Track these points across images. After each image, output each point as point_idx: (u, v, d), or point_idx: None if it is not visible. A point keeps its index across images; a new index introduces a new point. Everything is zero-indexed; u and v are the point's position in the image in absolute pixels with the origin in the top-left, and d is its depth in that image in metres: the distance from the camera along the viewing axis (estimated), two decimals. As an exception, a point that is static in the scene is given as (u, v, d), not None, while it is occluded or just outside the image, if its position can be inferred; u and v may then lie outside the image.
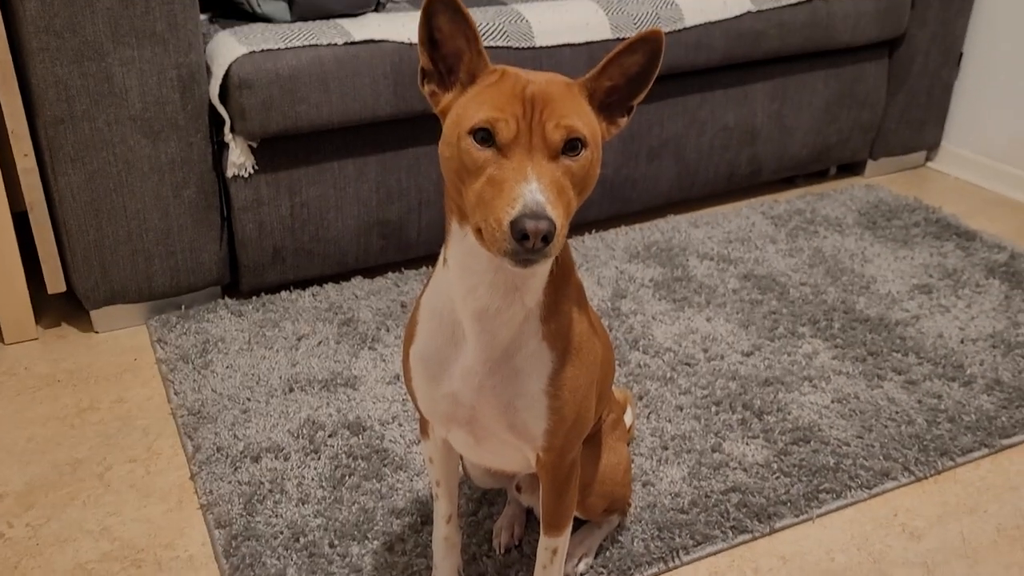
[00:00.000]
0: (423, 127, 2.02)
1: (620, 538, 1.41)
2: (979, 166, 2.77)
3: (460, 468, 1.37)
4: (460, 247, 0.96)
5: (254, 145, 1.86)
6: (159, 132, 1.76)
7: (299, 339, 1.88)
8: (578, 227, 2.40)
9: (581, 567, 1.35)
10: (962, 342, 1.93)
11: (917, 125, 2.75)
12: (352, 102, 1.86)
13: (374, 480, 1.51)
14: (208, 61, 1.80)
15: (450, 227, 0.98)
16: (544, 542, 1.17)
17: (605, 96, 0.96)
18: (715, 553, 1.41)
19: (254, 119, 1.79)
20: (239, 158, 1.84)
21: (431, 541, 1.31)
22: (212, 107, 1.81)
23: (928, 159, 2.90)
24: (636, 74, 0.96)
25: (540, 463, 1.09)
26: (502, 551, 1.37)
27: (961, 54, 2.74)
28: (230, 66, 1.75)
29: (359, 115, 1.88)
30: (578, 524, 1.42)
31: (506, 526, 1.39)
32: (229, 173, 1.86)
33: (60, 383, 1.76)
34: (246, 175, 1.87)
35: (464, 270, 0.97)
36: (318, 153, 1.93)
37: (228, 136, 1.83)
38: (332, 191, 1.97)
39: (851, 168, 2.83)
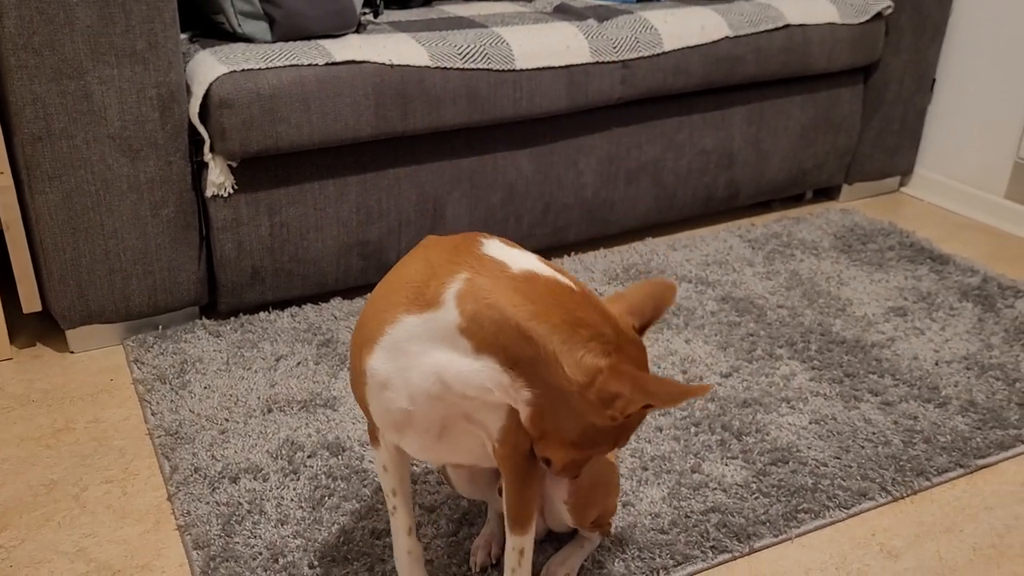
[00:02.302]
0: (403, 148, 2.03)
1: (600, 558, 1.41)
2: (952, 191, 2.81)
3: (449, 478, 1.37)
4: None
5: (234, 165, 1.86)
6: (138, 151, 1.76)
7: (278, 360, 1.87)
8: (557, 249, 2.41)
9: (562, 586, 1.34)
10: (937, 364, 1.95)
11: (891, 150, 2.80)
12: (333, 122, 1.86)
13: (354, 501, 1.50)
14: (188, 80, 1.80)
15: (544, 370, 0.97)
16: (511, 541, 1.17)
17: None
18: (695, 573, 1.41)
19: (234, 139, 1.79)
20: (218, 178, 1.84)
21: (400, 558, 1.27)
22: (192, 126, 1.81)
23: (902, 184, 2.95)
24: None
25: (498, 455, 1.09)
26: (477, 569, 1.37)
27: (934, 80, 2.79)
28: (210, 85, 1.75)
29: (340, 135, 1.88)
30: (561, 541, 1.42)
31: (483, 544, 1.39)
32: (208, 193, 1.85)
33: (35, 403, 1.74)
34: (225, 195, 1.87)
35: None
36: (298, 173, 1.93)
37: (208, 156, 1.82)
38: (312, 211, 1.97)
39: (827, 193, 2.87)
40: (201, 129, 1.80)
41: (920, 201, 2.88)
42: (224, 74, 1.76)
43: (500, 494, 1.33)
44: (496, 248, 1.02)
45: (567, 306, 0.97)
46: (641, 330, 1.06)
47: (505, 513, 1.16)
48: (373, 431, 1.18)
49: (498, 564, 1.38)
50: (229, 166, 1.85)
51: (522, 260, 1.00)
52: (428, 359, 0.99)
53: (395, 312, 1.00)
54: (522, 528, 1.15)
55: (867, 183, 2.84)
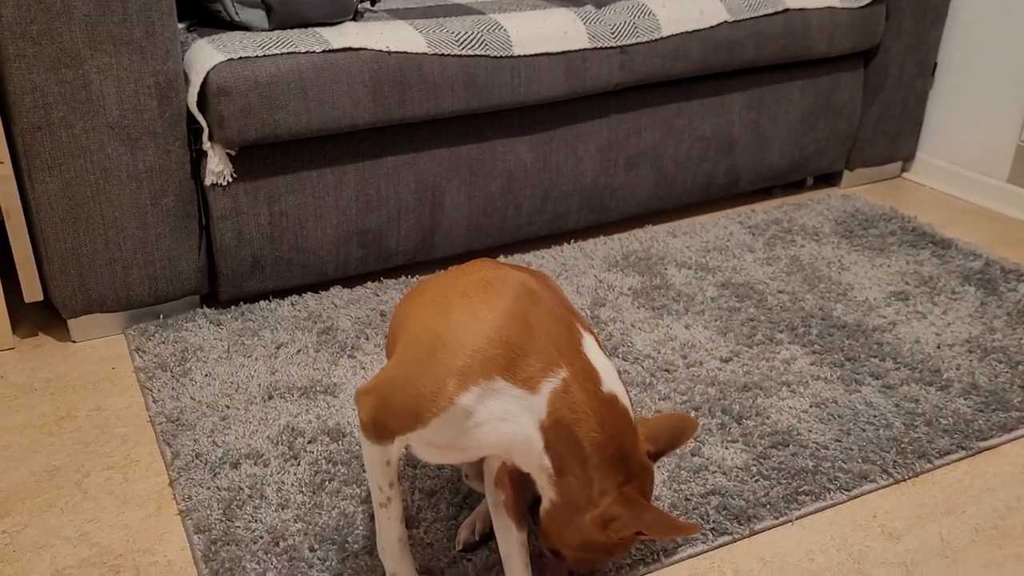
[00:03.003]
0: (402, 136, 2.03)
1: (601, 541, 1.41)
2: (954, 176, 2.81)
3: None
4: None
5: (232, 153, 1.86)
6: (137, 140, 1.76)
7: (278, 348, 1.87)
8: (557, 237, 2.41)
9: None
10: (939, 347, 1.95)
11: (892, 135, 2.79)
12: (331, 110, 1.86)
13: (354, 485, 1.50)
14: (186, 69, 1.80)
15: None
16: (521, 537, 1.22)
17: None
18: (696, 555, 1.41)
19: (232, 127, 1.79)
20: (217, 166, 1.84)
21: (390, 547, 1.26)
22: (190, 115, 1.81)
23: (904, 170, 2.94)
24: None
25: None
26: (461, 547, 1.37)
27: (936, 64, 2.78)
28: (208, 73, 1.75)
29: (338, 123, 1.88)
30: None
31: (467, 524, 1.39)
32: (208, 181, 1.85)
33: (37, 391, 1.74)
34: (224, 183, 1.87)
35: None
36: (297, 161, 1.93)
37: (206, 144, 1.82)
38: (311, 200, 1.97)
39: (827, 179, 2.86)
40: (199, 117, 1.80)
41: (922, 186, 2.87)
42: (222, 62, 1.77)
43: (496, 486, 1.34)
44: (592, 349, 1.11)
45: (621, 439, 1.09)
46: (654, 457, 1.17)
47: (516, 510, 1.22)
48: (388, 431, 1.13)
49: (483, 542, 1.39)
50: (228, 155, 1.85)
51: (610, 377, 1.11)
52: (506, 428, 1.08)
53: (492, 369, 1.05)
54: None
55: (868, 169, 2.83)
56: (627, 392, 1.14)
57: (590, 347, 1.11)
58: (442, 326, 1.08)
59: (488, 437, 1.08)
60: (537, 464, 1.10)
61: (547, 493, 1.12)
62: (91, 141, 1.73)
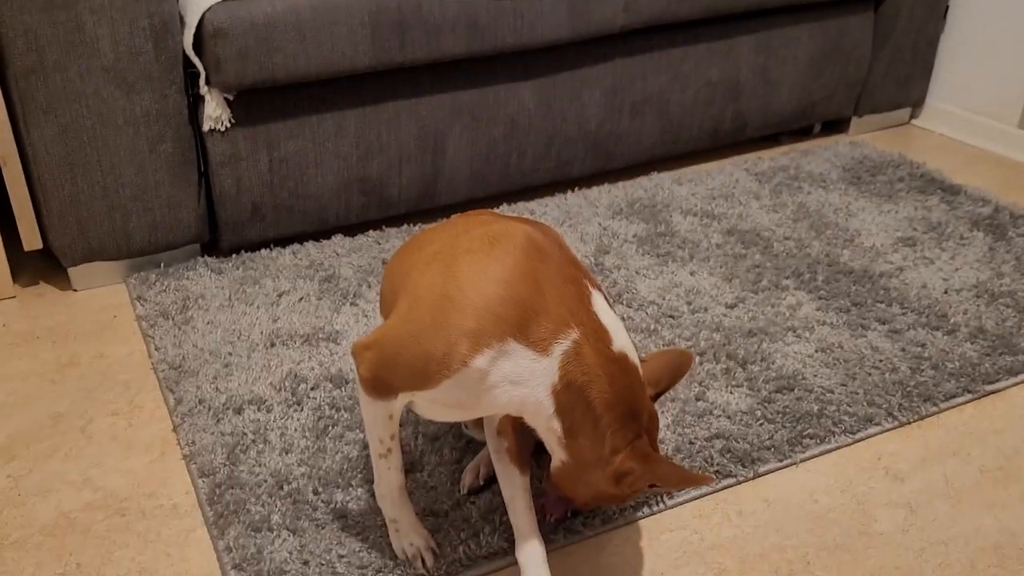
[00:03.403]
0: (402, 80, 2.00)
1: (604, 483, 1.41)
2: (964, 122, 2.76)
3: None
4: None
5: (230, 98, 1.83)
6: (133, 84, 1.73)
7: (280, 296, 1.86)
8: (561, 184, 2.38)
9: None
10: (946, 292, 1.93)
11: (902, 81, 2.74)
12: (329, 52, 1.83)
13: (358, 430, 1.50)
14: (181, 10, 1.77)
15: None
16: (524, 482, 1.20)
17: None
18: (700, 497, 1.41)
19: (229, 70, 1.76)
20: (215, 111, 1.81)
21: (390, 494, 1.26)
22: (186, 58, 1.78)
23: (913, 116, 2.90)
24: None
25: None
26: (465, 491, 1.38)
27: (947, 7, 2.72)
28: (204, 15, 1.72)
29: (336, 66, 1.85)
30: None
31: (471, 468, 1.39)
32: (205, 127, 1.83)
33: (39, 340, 1.74)
34: (223, 129, 1.84)
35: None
36: (296, 107, 1.90)
37: (203, 88, 1.79)
38: (311, 146, 1.95)
39: (835, 126, 2.82)
40: (196, 60, 1.77)
41: (931, 133, 2.82)
42: (217, 3, 1.73)
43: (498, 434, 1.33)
44: (601, 307, 1.09)
45: (632, 396, 1.07)
46: (655, 398, 1.15)
47: (518, 457, 1.21)
48: (391, 389, 1.10)
49: (486, 486, 1.39)
50: (226, 99, 1.82)
51: (620, 336, 1.08)
52: (517, 391, 1.06)
53: (505, 330, 1.02)
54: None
55: (877, 115, 2.79)
56: (634, 346, 1.12)
57: (599, 305, 1.09)
58: (450, 285, 1.03)
59: (499, 400, 1.06)
60: (546, 426, 1.08)
61: (557, 454, 1.10)
62: (86, 85, 1.70)
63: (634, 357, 1.09)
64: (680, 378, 1.19)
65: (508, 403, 1.07)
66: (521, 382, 1.04)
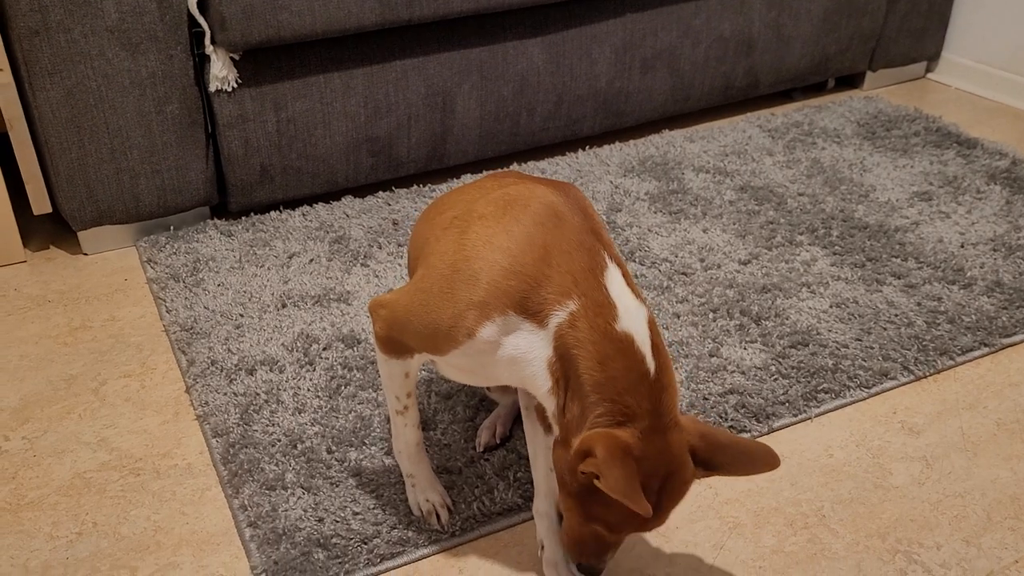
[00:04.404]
0: (410, 38, 1.97)
1: (618, 439, 1.40)
2: (981, 75, 2.71)
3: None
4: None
5: (236, 57, 1.81)
6: (138, 44, 1.71)
7: (290, 257, 1.85)
8: (571, 143, 2.36)
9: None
10: (962, 246, 1.90)
11: (918, 34, 2.69)
12: (336, 10, 1.80)
13: (370, 390, 1.50)
14: (186, -31, 1.74)
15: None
16: (548, 440, 1.18)
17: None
18: (714, 452, 1.41)
19: (235, 28, 1.73)
20: (221, 71, 1.79)
21: (406, 450, 1.26)
22: (191, 17, 1.75)
23: (928, 70, 2.85)
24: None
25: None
26: (481, 449, 1.38)
27: (963, -42, 2.66)
28: (208, -28, 1.70)
29: (343, 24, 1.82)
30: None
31: (488, 426, 1.39)
32: (212, 87, 1.81)
33: (51, 303, 1.74)
34: (229, 89, 1.82)
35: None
36: (303, 66, 1.88)
37: (209, 48, 1.77)
38: (319, 106, 1.93)
39: (850, 81, 2.77)
40: (200, 19, 1.74)
41: (947, 87, 2.78)
42: (221, -40, 1.70)
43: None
44: (616, 283, 1.01)
45: (626, 386, 0.97)
46: (700, 462, 1.02)
47: (544, 417, 1.16)
48: (405, 350, 1.11)
49: (502, 444, 1.39)
50: (232, 59, 1.80)
51: (631, 316, 0.99)
52: (518, 365, 1.02)
53: (506, 302, 1.00)
54: None
55: (892, 70, 2.74)
56: (656, 341, 1.00)
57: (613, 279, 1.00)
58: (459, 255, 1.02)
59: (504, 372, 1.05)
60: (546, 403, 1.04)
61: (554, 432, 1.06)
62: (91, 46, 1.68)
63: (644, 346, 0.98)
64: (749, 472, 1.03)
65: (512, 375, 1.04)
66: (522, 354, 1.01)
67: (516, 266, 1.00)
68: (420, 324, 1.05)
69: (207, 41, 1.77)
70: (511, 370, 1.04)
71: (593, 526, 1.03)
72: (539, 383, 1.02)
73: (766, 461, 1.03)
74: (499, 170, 1.23)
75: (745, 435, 1.43)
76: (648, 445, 0.97)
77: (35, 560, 1.21)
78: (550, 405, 1.03)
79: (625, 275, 1.03)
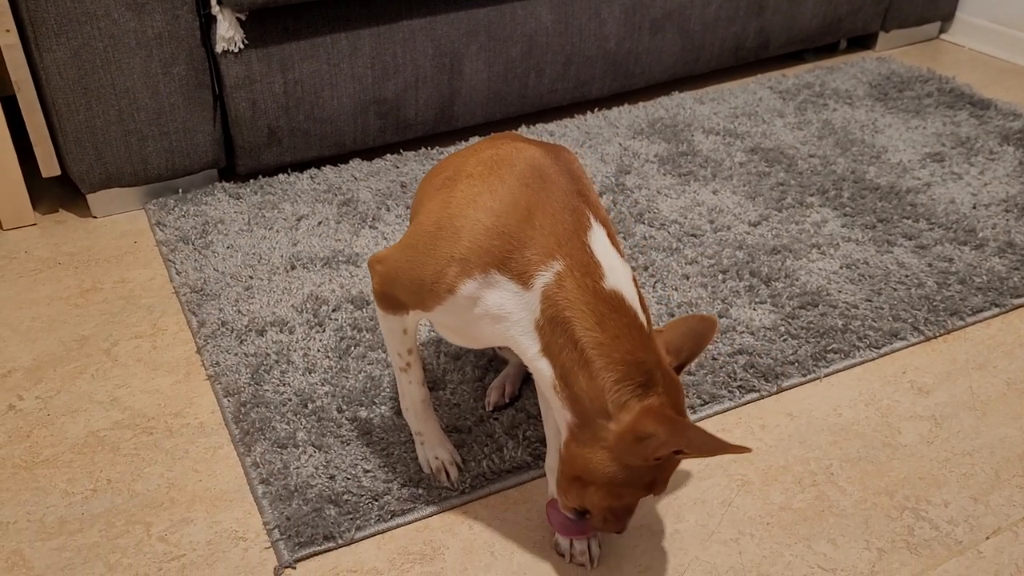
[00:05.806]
0: (418, -2, 1.95)
1: (627, 399, 1.41)
2: (995, 35, 2.68)
3: None
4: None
5: (243, 18, 1.79)
6: (143, 4, 1.70)
7: (299, 220, 1.85)
8: (580, 105, 2.34)
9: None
10: (974, 207, 1.89)
11: (931, -7, 2.65)
12: (343, -31, 1.78)
13: (379, 350, 1.50)
14: (191, -73, 1.72)
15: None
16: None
17: None
18: (722, 412, 1.41)
19: (242, -12, 1.72)
20: (228, 31, 1.78)
21: (413, 407, 1.27)
22: (198, -23, 1.74)
23: (942, 31, 2.81)
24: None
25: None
26: (491, 408, 1.38)
27: (979, -85, 2.62)
28: (214, -69, 1.68)
29: (351, -17, 1.81)
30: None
31: (497, 386, 1.40)
32: (218, 48, 1.80)
33: (61, 266, 1.75)
34: (236, 50, 1.81)
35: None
36: (310, 27, 1.87)
37: (215, 8, 1.76)
38: (326, 67, 1.91)
39: (862, 42, 2.74)
40: (206, -21, 1.73)
41: (961, 48, 2.74)
42: (226, -82, 1.68)
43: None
44: (600, 243, 1.00)
45: (631, 344, 0.97)
46: (678, 368, 1.06)
47: None
48: (400, 305, 1.12)
49: (511, 403, 1.39)
50: (238, 19, 1.79)
51: (616, 275, 1.00)
52: (503, 324, 1.02)
53: (488, 261, 1.00)
54: None
55: (905, 30, 2.70)
56: (640, 297, 1.02)
57: (597, 239, 1.00)
58: (443, 213, 1.03)
59: (488, 331, 1.04)
60: (536, 369, 1.02)
61: (563, 416, 1.02)
62: (96, 6, 1.67)
63: (633, 301, 0.99)
64: (705, 345, 1.08)
65: (497, 335, 1.04)
66: (506, 315, 1.01)
67: (499, 226, 1.00)
68: (407, 279, 1.06)
69: (213, 1, 1.75)
70: (495, 329, 1.03)
71: (624, 499, 1.04)
72: (526, 344, 1.01)
73: (708, 328, 1.08)
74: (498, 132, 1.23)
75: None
76: (671, 397, 1.00)
77: (51, 516, 1.23)
78: (545, 370, 1.01)
79: (610, 235, 1.03)
